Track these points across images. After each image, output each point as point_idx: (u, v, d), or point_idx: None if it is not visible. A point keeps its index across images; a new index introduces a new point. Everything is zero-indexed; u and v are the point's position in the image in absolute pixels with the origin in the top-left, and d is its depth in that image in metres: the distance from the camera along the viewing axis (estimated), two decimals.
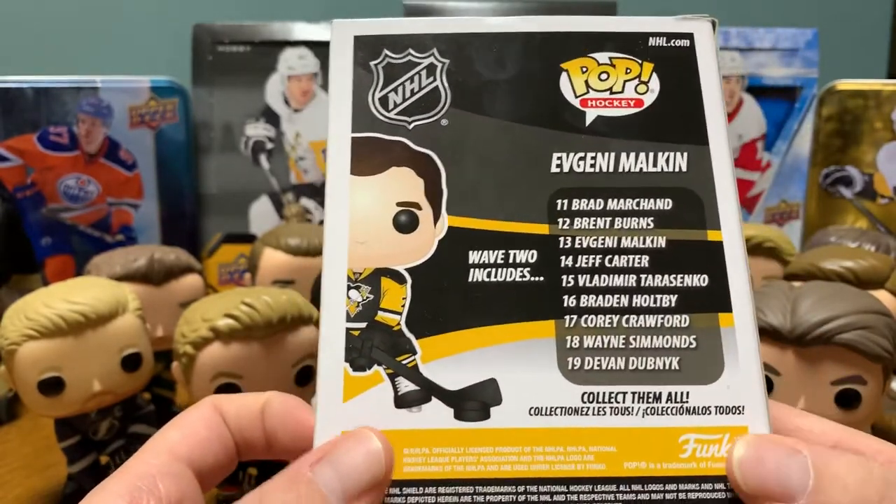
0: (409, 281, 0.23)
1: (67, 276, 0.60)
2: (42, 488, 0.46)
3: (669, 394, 0.22)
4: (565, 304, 0.23)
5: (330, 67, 0.25)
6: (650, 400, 0.22)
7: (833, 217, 0.77)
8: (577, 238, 0.24)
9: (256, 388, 0.39)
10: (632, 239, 0.24)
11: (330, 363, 0.22)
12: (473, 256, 0.23)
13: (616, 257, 0.23)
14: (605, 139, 0.25)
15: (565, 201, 0.24)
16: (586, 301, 0.23)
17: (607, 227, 0.24)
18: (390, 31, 0.26)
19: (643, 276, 0.23)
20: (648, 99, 0.25)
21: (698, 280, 0.23)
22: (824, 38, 0.78)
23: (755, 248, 0.56)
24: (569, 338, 0.23)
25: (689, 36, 0.26)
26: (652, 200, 0.24)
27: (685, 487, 0.21)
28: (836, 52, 0.83)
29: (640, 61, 0.25)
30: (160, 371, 0.51)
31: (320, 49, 0.78)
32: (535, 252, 0.23)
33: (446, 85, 0.25)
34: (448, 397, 0.22)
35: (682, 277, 0.23)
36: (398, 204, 0.24)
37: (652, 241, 0.24)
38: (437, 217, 0.24)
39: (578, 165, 0.24)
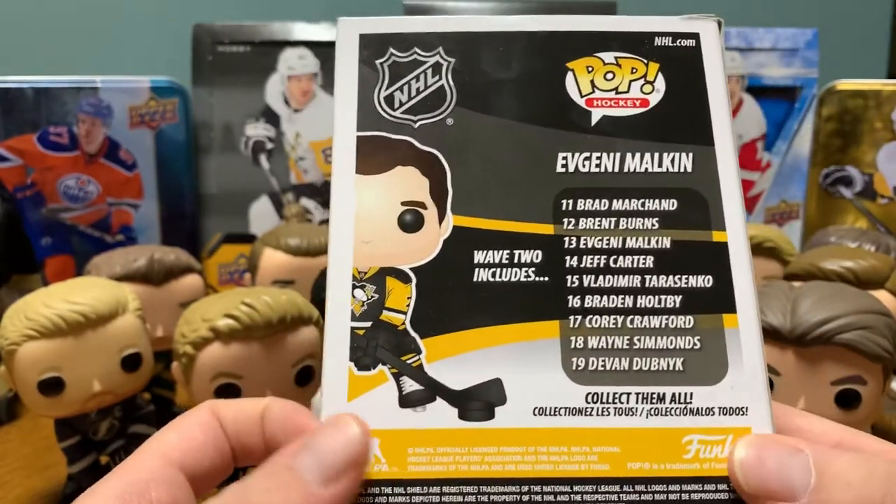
0: (414, 280, 0.23)
1: (67, 276, 0.60)
2: (42, 488, 0.46)
3: (673, 394, 0.22)
4: (570, 305, 0.23)
5: (335, 66, 0.25)
6: (654, 401, 0.22)
7: (833, 217, 0.77)
8: (582, 238, 0.24)
9: (256, 389, 0.39)
10: (637, 239, 0.24)
11: (335, 362, 0.22)
12: (478, 256, 0.23)
13: (621, 258, 0.23)
14: (610, 139, 0.25)
15: (570, 201, 0.24)
16: (591, 301, 0.23)
17: (612, 227, 0.24)
18: (396, 30, 0.26)
19: (648, 277, 0.23)
20: (654, 99, 0.25)
21: (703, 281, 0.23)
22: (824, 38, 0.78)
23: (755, 248, 0.56)
24: (573, 338, 0.23)
25: (695, 36, 0.26)
26: (657, 201, 0.24)
27: (688, 488, 0.21)
28: (836, 52, 0.83)
29: (645, 61, 0.25)
30: (160, 371, 0.51)
31: (320, 49, 0.78)
32: (539, 252, 0.23)
33: (452, 84, 0.25)
34: (452, 397, 0.22)
35: (687, 278, 0.23)
36: (403, 203, 0.24)
37: (657, 242, 0.24)
38: (442, 216, 0.24)
39: (584, 165, 0.24)
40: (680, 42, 0.26)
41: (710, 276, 0.23)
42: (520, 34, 0.26)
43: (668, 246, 0.24)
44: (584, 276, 0.23)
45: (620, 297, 0.23)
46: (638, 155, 0.24)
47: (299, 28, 0.78)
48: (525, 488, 0.21)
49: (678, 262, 0.23)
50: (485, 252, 0.23)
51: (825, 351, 0.35)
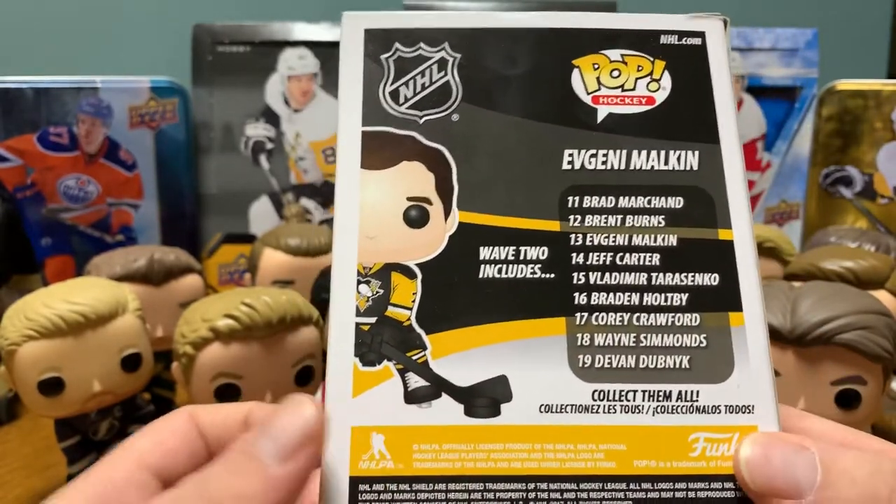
0: (420, 276, 0.23)
1: (67, 276, 0.60)
2: (42, 488, 0.46)
3: (679, 392, 0.22)
4: (576, 302, 0.23)
5: (340, 60, 0.25)
6: (660, 398, 0.22)
7: (833, 217, 0.77)
8: (588, 235, 0.24)
9: (256, 389, 0.39)
10: (643, 237, 0.24)
11: (339, 358, 0.22)
12: (484, 252, 0.23)
13: (627, 255, 0.23)
14: (616, 136, 0.24)
15: (576, 198, 0.24)
16: (597, 298, 0.23)
17: (618, 224, 0.24)
18: (401, 25, 0.26)
19: (654, 274, 0.23)
20: (660, 97, 0.25)
21: (709, 279, 0.23)
22: (824, 38, 0.78)
23: None
24: (579, 335, 0.23)
25: (701, 34, 0.26)
26: (663, 198, 0.24)
27: (695, 486, 0.21)
28: (836, 52, 0.83)
29: (651, 59, 0.25)
30: (160, 371, 0.51)
31: (320, 49, 0.78)
32: (545, 249, 0.23)
33: (457, 80, 0.25)
34: (458, 393, 0.22)
35: (693, 276, 0.23)
36: (409, 199, 0.24)
37: (663, 240, 0.24)
38: (447, 212, 0.24)
39: (590, 162, 0.24)
40: (686, 40, 0.26)
41: (716, 274, 0.23)
42: (526, 30, 0.26)
43: (675, 244, 0.24)
44: (591, 273, 0.23)
45: (627, 294, 0.23)
46: (644, 152, 0.24)
47: (299, 28, 0.78)
48: (531, 485, 0.21)
49: (684, 260, 0.23)
50: (490, 248, 0.23)
51: (825, 351, 0.35)
